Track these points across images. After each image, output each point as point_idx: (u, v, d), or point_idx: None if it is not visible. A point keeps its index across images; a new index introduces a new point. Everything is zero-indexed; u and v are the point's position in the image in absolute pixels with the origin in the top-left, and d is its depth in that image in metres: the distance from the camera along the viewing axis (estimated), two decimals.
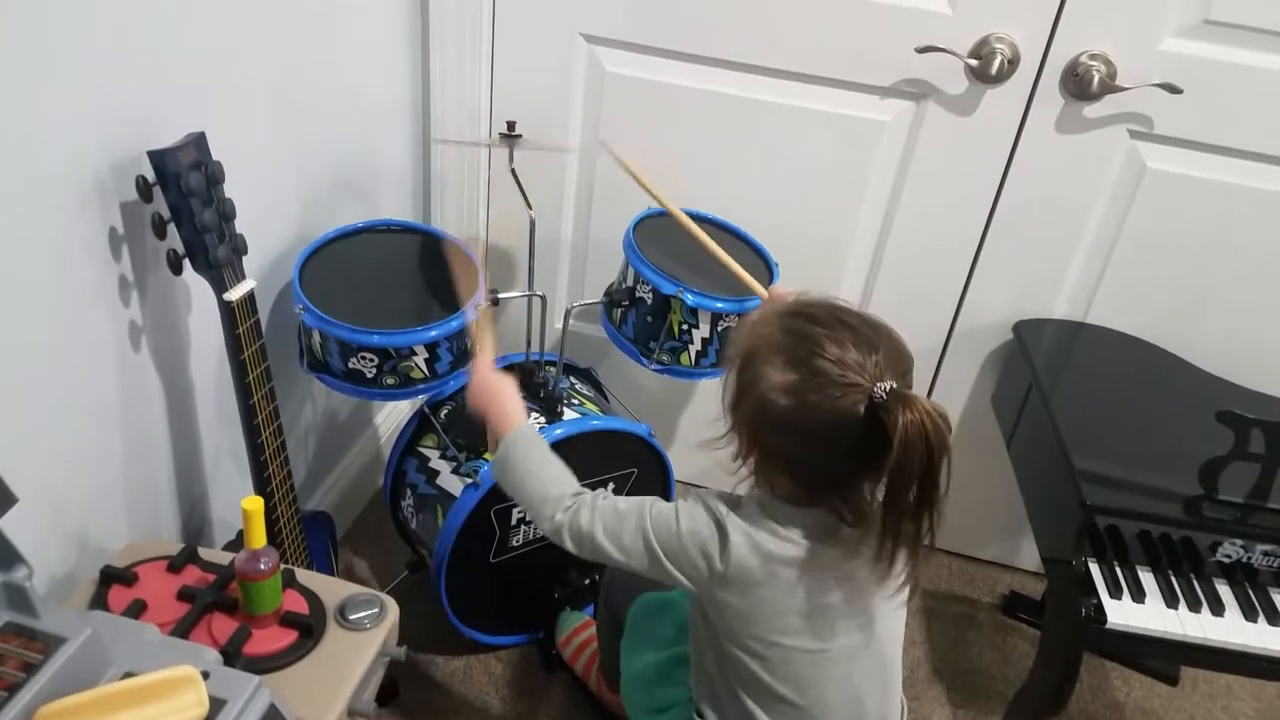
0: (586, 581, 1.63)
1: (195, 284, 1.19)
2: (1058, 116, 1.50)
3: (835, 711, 1.02)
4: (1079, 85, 1.45)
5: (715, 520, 0.97)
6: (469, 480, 1.45)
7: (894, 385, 0.88)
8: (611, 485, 1.54)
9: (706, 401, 1.93)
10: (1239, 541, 1.26)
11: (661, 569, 1.00)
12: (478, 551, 1.50)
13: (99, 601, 1.02)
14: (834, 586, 0.98)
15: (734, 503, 1.00)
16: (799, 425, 0.92)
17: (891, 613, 1.04)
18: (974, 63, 1.46)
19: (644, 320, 1.45)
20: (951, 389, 1.79)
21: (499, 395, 1.15)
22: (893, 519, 0.90)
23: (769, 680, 1.00)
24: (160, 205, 1.04)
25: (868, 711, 1.04)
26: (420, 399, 1.60)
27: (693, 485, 1.97)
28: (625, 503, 1.03)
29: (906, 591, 0.99)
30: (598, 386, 1.74)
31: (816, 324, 0.93)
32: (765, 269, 1.51)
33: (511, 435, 1.11)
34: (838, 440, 0.91)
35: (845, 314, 0.95)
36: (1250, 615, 1.24)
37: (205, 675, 0.81)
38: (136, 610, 1.01)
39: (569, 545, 1.05)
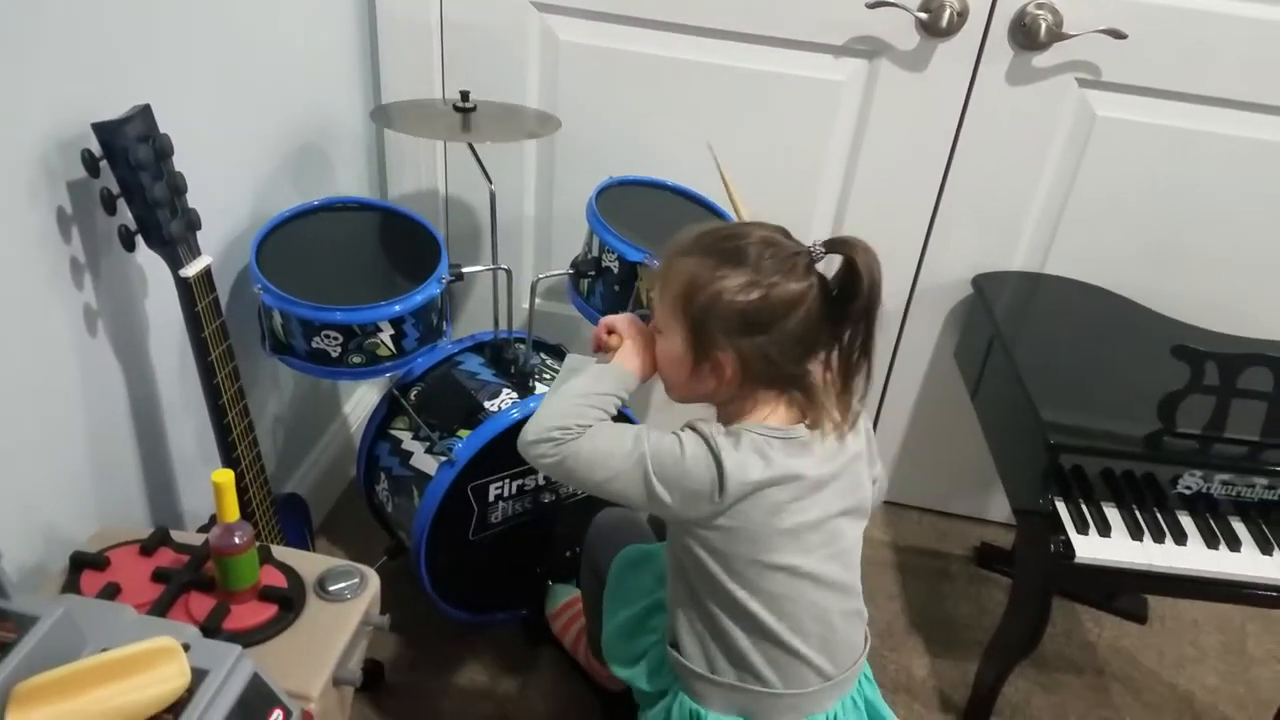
0: (567, 554, 1.63)
1: (150, 264, 1.17)
2: (1008, 68, 1.52)
3: (810, 636, 1.05)
4: (1027, 35, 1.47)
5: (711, 450, 0.99)
6: (444, 458, 1.44)
7: (823, 239, 0.98)
8: None
9: None
10: (1198, 473, 1.29)
11: (650, 491, 0.99)
12: (456, 530, 1.49)
13: (71, 587, 1.00)
14: (810, 505, 1.02)
15: (724, 432, 1.02)
16: (769, 311, 0.98)
17: (854, 535, 1.09)
18: (924, 16, 1.47)
19: (611, 290, 1.45)
20: (915, 346, 1.81)
21: (644, 344, 1.09)
22: (856, 356, 1.00)
23: (743, 598, 1.02)
24: (109, 180, 1.02)
25: (839, 643, 1.07)
26: (389, 378, 1.59)
27: None
28: (620, 426, 1.03)
29: (868, 514, 1.09)
30: None
31: (727, 229, 1.04)
32: None
33: (613, 366, 1.08)
34: (810, 304, 0.98)
35: (738, 221, 1.04)
36: (1211, 543, 1.28)
37: (186, 648, 0.80)
38: (110, 594, 1.00)
39: (548, 462, 1.01)
